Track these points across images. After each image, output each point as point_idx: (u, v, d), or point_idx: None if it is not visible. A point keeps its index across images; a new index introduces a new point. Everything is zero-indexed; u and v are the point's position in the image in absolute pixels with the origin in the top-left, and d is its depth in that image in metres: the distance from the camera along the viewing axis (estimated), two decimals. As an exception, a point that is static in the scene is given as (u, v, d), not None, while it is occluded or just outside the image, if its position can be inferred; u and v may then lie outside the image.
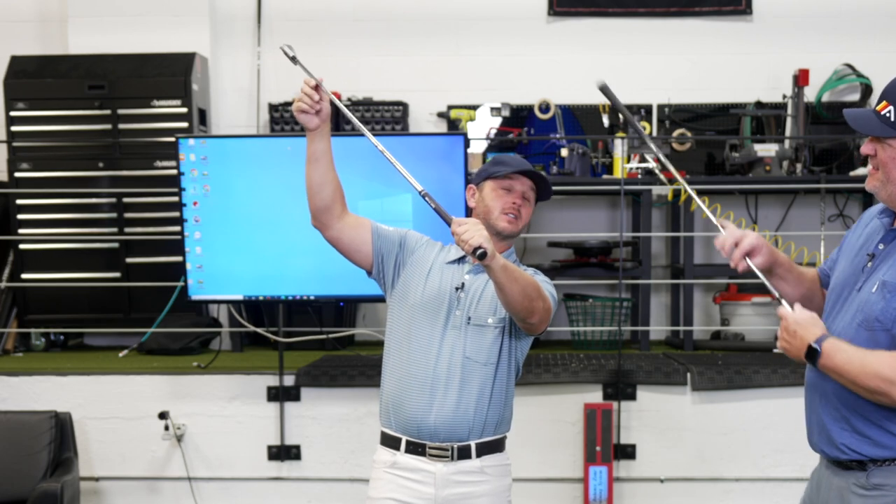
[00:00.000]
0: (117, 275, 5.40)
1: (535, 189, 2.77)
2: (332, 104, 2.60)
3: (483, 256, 2.35)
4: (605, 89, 2.56)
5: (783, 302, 2.31)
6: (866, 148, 2.28)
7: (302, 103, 2.55)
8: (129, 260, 5.41)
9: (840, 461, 2.28)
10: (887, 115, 2.20)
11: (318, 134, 2.60)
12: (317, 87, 2.55)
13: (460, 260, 2.76)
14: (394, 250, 2.76)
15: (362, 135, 2.56)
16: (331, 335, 5.27)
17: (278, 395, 4.66)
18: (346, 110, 2.57)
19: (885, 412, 2.20)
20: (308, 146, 2.62)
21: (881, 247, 2.29)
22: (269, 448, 4.68)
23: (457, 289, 2.68)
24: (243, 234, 4.40)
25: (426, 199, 2.45)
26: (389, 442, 2.71)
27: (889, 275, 2.21)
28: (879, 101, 2.24)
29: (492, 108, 5.68)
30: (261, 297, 4.44)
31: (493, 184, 2.74)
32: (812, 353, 2.19)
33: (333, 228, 2.70)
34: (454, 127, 5.65)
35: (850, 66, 5.67)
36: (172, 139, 4.44)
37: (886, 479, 2.20)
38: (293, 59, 2.56)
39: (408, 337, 2.70)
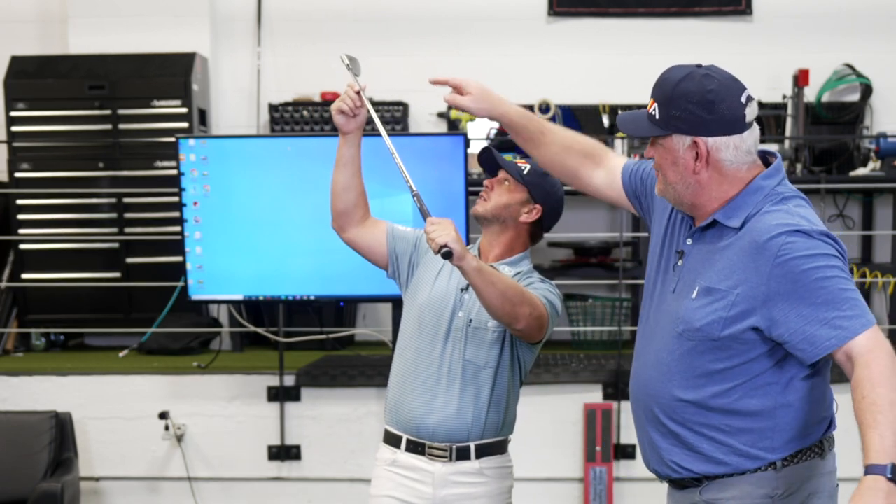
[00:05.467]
0: (117, 275, 5.39)
1: (525, 175, 2.73)
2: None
3: (448, 255, 2.36)
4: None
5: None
6: (647, 152, 2.12)
7: (343, 104, 2.61)
8: (129, 260, 5.41)
9: (673, 480, 2.15)
10: (653, 113, 2.04)
11: (351, 139, 2.67)
12: (359, 94, 2.61)
13: None
14: (408, 250, 2.79)
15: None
16: (331, 335, 5.27)
17: (278, 395, 4.66)
18: (380, 123, 2.61)
19: (717, 421, 2.03)
20: (339, 149, 2.68)
21: (689, 242, 2.10)
22: (270, 448, 4.69)
23: (462, 290, 2.67)
24: (243, 234, 4.40)
25: (415, 199, 2.49)
26: (391, 440, 2.72)
27: (709, 279, 2.01)
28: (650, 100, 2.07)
29: (492, 109, 5.67)
30: (261, 297, 4.44)
31: None
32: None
33: (350, 232, 2.77)
34: (454, 127, 5.65)
35: (850, 66, 5.67)
36: (172, 139, 4.44)
37: (719, 493, 2.05)
38: (348, 68, 2.63)
39: (413, 336, 2.71)
